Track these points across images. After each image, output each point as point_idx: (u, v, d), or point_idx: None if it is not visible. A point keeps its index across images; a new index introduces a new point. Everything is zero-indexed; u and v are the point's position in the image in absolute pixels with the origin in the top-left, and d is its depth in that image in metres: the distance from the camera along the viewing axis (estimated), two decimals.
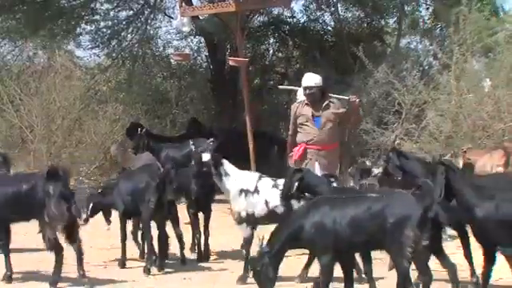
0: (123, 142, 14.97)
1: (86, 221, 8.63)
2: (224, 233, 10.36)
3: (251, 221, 7.67)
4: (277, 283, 6.60)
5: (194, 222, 9.09)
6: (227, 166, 7.89)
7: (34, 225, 9.69)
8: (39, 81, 16.37)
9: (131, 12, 16.43)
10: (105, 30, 16.01)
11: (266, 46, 18.42)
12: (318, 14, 17.56)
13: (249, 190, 7.70)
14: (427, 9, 16.71)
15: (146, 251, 8.43)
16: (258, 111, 14.97)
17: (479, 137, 11.30)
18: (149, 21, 16.63)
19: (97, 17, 16.12)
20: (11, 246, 8.94)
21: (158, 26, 17.66)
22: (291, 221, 6.11)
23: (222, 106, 16.92)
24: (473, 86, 11.94)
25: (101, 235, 9.98)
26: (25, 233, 10.14)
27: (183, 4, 12.95)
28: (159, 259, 8.26)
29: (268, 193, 7.63)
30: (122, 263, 8.51)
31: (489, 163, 9.39)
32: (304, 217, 5.95)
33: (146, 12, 16.43)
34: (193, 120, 15.23)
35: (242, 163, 10.76)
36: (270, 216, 7.60)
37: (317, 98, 8.48)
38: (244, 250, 7.69)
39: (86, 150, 15.50)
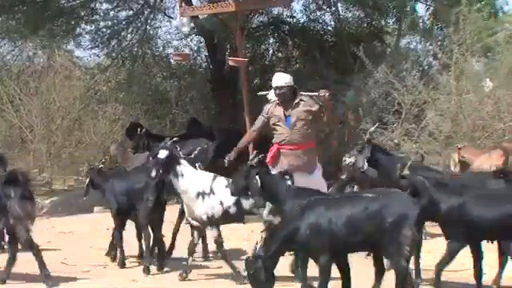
0: (123, 141, 14.98)
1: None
2: (224, 233, 10.36)
3: (213, 222, 7.79)
4: (277, 283, 6.62)
5: (178, 222, 9.05)
6: (184, 166, 7.86)
7: (34, 226, 9.72)
8: (39, 81, 16.39)
9: (131, 12, 16.43)
10: (104, 29, 16.00)
11: (265, 46, 18.41)
12: (318, 13, 17.56)
13: (205, 191, 7.77)
14: (427, 9, 16.72)
15: (144, 250, 8.42)
16: (257, 111, 14.95)
17: (479, 137, 11.31)
18: (149, 21, 16.63)
19: (96, 17, 16.11)
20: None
21: (157, 26, 17.67)
22: (286, 223, 6.06)
23: (221, 106, 16.92)
24: (473, 86, 11.94)
25: (101, 235, 10.00)
26: None
27: (183, 4, 12.96)
28: (158, 259, 8.26)
29: (222, 193, 7.72)
30: (122, 263, 8.51)
31: (487, 163, 9.39)
32: (299, 219, 5.90)
33: (146, 12, 16.42)
34: (192, 120, 15.23)
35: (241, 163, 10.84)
36: (225, 216, 7.76)
37: (287, 97, 8.20)
38: (219, 252, 7.88)
39: (85, 150, 15.53)
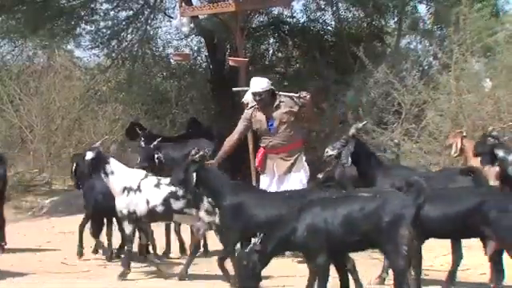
0: (123, 142, 15.00)
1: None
2: None
3: (132, 219, 7.81)
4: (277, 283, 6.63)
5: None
6: (113, 164, 7.96)
7: (34, 226, 9.73)
8: (39, 81, 16.40)
9: (131, 12, 16.43)
10: (105, 30, 16.00)
11: (265, 46, 18.42)
12: (318, 13, 17.56)
13: (132, 187, 7.80)
14: (427, 9, 16.72)
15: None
16: None
17: (479, 137, 11.29)
18: (149, 21, 16.63)
19: (96, 17, 16.11)
20: (12, 247, 8.98)
21: (157, 26, 17.67)
22: (283, 223, 6.03)
23: (221, 106, 16.91)
24: (473, 86, 11.94)
25: (101, 235, 10.00)
26: (24, 234, 10.18)
27: (183, 4, 12.96)
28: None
29: (150, 192, 7.75)
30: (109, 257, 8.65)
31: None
32: (296, 219, 5.87)
33: (146, 12, 16.42)
34: (192, 120, 15.24)
35: (240, 163, 10.90)
36: (151, 215, 7.80)
37: (267, 102, 8.25)
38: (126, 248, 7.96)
39: (85, 150, 15.50)
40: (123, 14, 16.42)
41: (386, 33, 17.49)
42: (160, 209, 7.70)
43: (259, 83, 8.32)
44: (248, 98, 8.89)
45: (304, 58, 17.36)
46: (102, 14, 16.18)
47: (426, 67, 15.36)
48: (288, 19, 17.77)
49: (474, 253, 7.96)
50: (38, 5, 14.90)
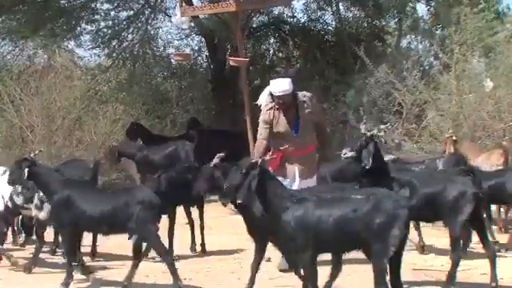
0: (124, 141, 14.99)
1: None
2: (224, 233, 10.36)
3: None
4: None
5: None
6: None
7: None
8: (39, 81, 16.36)
9: (131, 12, 16.43)
10: (105, 30, 16.01)
11: (266, 46, 18.43)
12: (319, 13, 17.58)
13: None
14: (428, 9, 16.73)
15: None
16: (258, 111, 14.95)
17: (479, 137, 11.30)
18: (149, 21, 16.63)
19: (97, 17, 16.11)
20: (12, 246, 8.96)
21: (158, 26, 17.68)
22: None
23: (222, 106, 16.93)
24: (473, 86, 11.94)
25: (101, 235, 9.99)
26: (24, 233, 10.14)
27: (184, 4, 12.96)
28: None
29: (4, 188, 7.90)
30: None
31: (487, 162, 9.37)
32: (286, 213, 5.86)
33: (147, 12, 16.42)
34: (192, 120, 15.24)
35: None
36: (7, 211, 8.00)
37: (289, 104, 7.79)
38: None
39: (86, 150, 15.50)
40: (124, 14, 16.45)
41: (386, 33, 17.50)
42: (10, 204, 7.98)
43: (281, 85, 7.83)
44: (262, 100, 8.46)
45: (305, 57, 17.38)
46: (102, 13, 16.20)
47: (427, 67, 15.37)
48: (288, 19, 17.79)
49: (475, 253, 7.97)
50: (38, 5, 14.91)
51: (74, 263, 7.30)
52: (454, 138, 9.90)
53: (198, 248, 9.20)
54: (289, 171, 7.77)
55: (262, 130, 7.89)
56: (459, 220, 6.70)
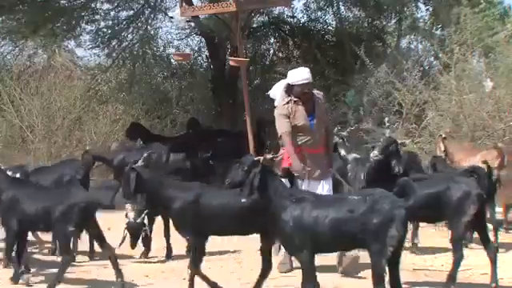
0: (124, 141, 15.01)
1: None
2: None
3: None
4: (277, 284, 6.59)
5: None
6: None
7: None
8: (39, 81, 16.39)
9: (131, 12, 16.43)
10: (105, 29, 16.02)
11: (266, 46, 18.44)
12: (319, 13, 17.58)
13: None
14: (427, 9, 16.73)
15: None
16: (258, 111, 15.00)
17: (479, 137, 11.30)
18: (149, 21, 16.64)
19: (97, 17, 16.12)
20: None
21: (158, 26, 17.69)
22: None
23: (222, 106, 16.93)
24: (473, 86, 11.94)
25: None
26: None
27: (184, 4, 12.95)
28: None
29: None
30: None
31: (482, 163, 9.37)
32: (285, 212, 5.87)
33: (147, 12, 16.43)
34: (191, 120, 15.27)
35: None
36: None
37: (310, 94, 7.54)
38: None
39: None
40: (124, 14, 16.45)
41: (386, 33, 17.50)
42: None
43: (303, 74, 7.52)
44: (275, 93, 8.11)
45: (305, 57, 17.37)
46: (102, 13, 16.20)
47: (427, 67, 15.37)
48: (289, 19, 17.79)
49: (475, 253, 7.97)
50: (38, 5, 14.91)
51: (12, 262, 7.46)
52: (443, 135, 9.90)
53: None
54: (307, 171, 7.45)
55: (284, 123, 7.49)
56: (462, 221, 6.69)
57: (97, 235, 7.35)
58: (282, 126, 7.52)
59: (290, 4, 14.47)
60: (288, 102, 7.53)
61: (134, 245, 8.40)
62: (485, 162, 9.24)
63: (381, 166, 7.29)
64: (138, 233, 8.39)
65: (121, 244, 8.00)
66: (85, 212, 7.09)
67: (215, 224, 6.82)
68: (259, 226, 6.65)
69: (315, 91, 7.74)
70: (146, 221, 8.43)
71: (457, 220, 6.71)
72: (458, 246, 6.72)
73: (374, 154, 7.24)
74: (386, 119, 9.13)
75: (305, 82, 7.47)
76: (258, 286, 6.76)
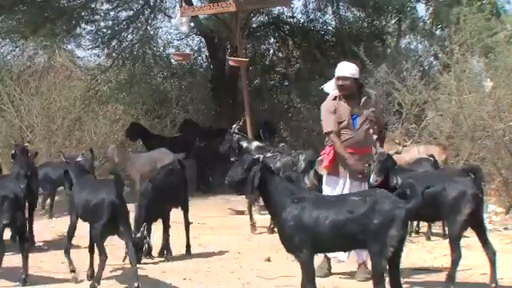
0: (123, 142, 15.02)
1: None
2: (224, 233, 10.37)
3: None
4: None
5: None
6: None
7: (34, 226, 9.72)
8: (39, 81, 16.39)
9: (131, 12, 16.43)
10: (105, 30, 16.02)
11: (266, 46, 18.44)
12: (319, 13, 17.58)
13: None
14: (427, 9, 16.73)
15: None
16: (258, 111, 15.02)
17: (479, 137, 11.30)
18: (149, 21, 16.64)
19: (97, 17, 16.12)
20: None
21: (158, 26, 17.69)
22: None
23: (222, 106, 16.93)
24: (473, 86, 11.93)
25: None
26: None
27: (183, 4, 12.95)
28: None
29: None
30: None
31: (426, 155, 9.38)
32: (285, 211, 5.87)
33: (147, 12, 16.43)
34: (185, 121, 15.32)
35: None
36: None
37: (352, 91, 7.33)
38: None
39: (86, 150, 15.49)
40: (123, 14, 16.45)
41: (386, 33, 17.50)
42: None
43: (346, 67, 7.41)
44: (328, 88, 7.76)
45: (305, 57, 17.38)
46: (102, 14, 16.20)
47: (427, 67, 15.37)
48: (288, 19, 17.79)
49: (475, 253, 7.97)
50: (38, 5, 14.91)
51: None
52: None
53: (200, 248, 9.21)
54: (342, 170, 7.37)
55: (330, 121, 7.35)
56: (458, 220, 6.70)
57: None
58: (327, 124, 7.39)
59: (289, 4, 14.47)
60: (335, 98, 7.41)
61: (139, 258, 8.32)
62: (431, 155, 9.37)
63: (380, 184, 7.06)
64: (141, 246, 8.36)
65: (124, 259, 8.00)
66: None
67: None
68: None
69: (369, 90, 7.60)
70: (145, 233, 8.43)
71: (453, 219, 6.72)
72: (455, 246, 6.72)
73: (374, 179, 6.98)
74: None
75: (343, 75, 7.33)
76: None
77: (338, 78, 7.34)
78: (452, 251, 6.71)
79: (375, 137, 7.35)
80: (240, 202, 11.54)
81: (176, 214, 9.03)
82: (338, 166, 7.37)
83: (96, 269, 7.25)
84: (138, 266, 7.39)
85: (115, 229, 7.15)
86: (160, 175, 9.12)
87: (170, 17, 17.30)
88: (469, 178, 6.85)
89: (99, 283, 7.08)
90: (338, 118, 7.32)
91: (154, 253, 8.74)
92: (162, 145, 13.33)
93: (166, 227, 8.77)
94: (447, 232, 7.07)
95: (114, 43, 16.32)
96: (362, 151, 7.29)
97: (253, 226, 10.35)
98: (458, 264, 6.71)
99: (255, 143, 10.54)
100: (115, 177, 7.27)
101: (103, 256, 7.10)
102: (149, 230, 8.58)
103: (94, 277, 7.21)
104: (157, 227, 8.74)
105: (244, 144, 10.37)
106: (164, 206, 8.77)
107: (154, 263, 8.51)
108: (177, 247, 8.89)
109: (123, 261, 7.99)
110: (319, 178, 8.18)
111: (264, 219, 10.28)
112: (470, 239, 8.82)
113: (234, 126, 10.62)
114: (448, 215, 6.78)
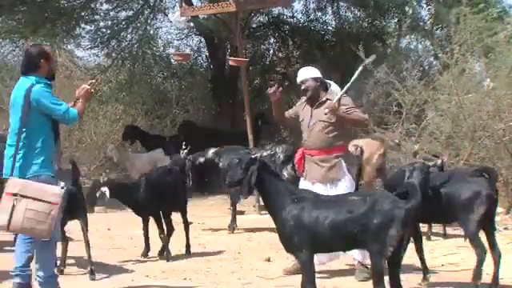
0: (124, 142, 15.02)
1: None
2: (224, 233, 10.37)
3: None
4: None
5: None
6: None
7: None
8: None
9: (131, 12, 16.44)
10: (104, 30, 16.03)
11: (266, 46, 18.45)
12: (319, 13, 17.59)
13: None
14: (427, 9, 16.73)
15: None
16: (258, 111, 15.03)
17: (479, 137, 11.30)
18: (148, 21, 16.64)
19: (97, 17, 16.12)
20: (12, 247, 8.93)
21: (158, 27, 17.70)
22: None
23: (222, 106, 16.95)
24: (473, 86, 11.93)
25: (101, 235, 10.01)
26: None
27: (183, 4, 12.96)
28: None
29: None
30: None
31: (368, 151, 9.41)
32: (284, 211, 5.86)
33: (146, 12, 16.43)
34: (184, 122, 15.33)
35: None
36: None
37: (313, 94, 7.38)
38: None
39: (85, 150, 15.52)
40: (123, 14, 16.45)
41: (386, 33, 17.50)
42: None
43: (304, 71, 7.52)
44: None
45: (305, 57, 17.37)
46: (101, 14, 16.20)
47: (427, 67, 15.37)
48: (288, 19, 17.80)
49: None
50: (38, 5, 14.92)
51: None
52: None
53: (200, 248, 9.21)
54: (306, 170, 7.40)
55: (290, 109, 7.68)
56: (473, 220, 6.66)
57: None
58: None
59: (289, 5, 14.48)
60: (302, 99, 7.56)
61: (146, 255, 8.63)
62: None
63: None
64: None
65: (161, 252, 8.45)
66: None
67: None
68: None
69: (328, 94, 7.48)
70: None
71: (467, 219, 6.67)
72: (476, 243, 6.64)
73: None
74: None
75: (299, 79, 7.50)
76: None
77: (300, 85, 7.49)
78: (475, 249, 6.63)
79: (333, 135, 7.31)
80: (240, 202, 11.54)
81: (175, 214, 9.02)
82: (305, 168, 7.42)
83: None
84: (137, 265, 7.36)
85: (72, 215, 7.47)
86: (156, 173, 9.10)
87: (167, 15, 17.32)
88: (483, 178, 6.83)
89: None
90: (300, 116, 7.47)
91: (153, 253, 8.74)
92: (161, 145, 13.36)
93: (170, 230, 8.76)
94: (463, 233, 7.00)
95: (113, 43, 16.33)
96: (317, 153, 7.32)
97: (231, 227, 10.36)
98: (484, 260, 6.63)
99: (211, 150, 10.40)
100: (72, 166, 7.67)
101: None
102: (146, 229, 8.64)
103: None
104: (155, 227, 8.73)
105: (201, 159, 10.17)
106: (159, 206, 8.72)
107: (154, 263, 8.51)
108: (177, 247, 8.89)
109: None
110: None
111: (264, 219, 10.28)
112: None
113: (183, 152, 10.35)
114: (462, 215, 6.74)
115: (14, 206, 5.87)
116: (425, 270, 7.06)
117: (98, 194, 8.27)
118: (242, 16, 13.37)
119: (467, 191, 6.71)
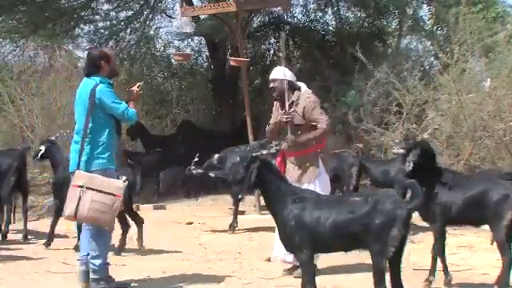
0: (125, 140, 15.01)
1: None
2: (224, 233, 10.37)
3: None
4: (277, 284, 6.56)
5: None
6: None
7: (35, 226, 9.73)
8: (40, 81, 16.40)
9: (130, 12, 16.43)
10: (103, 30, 16.01)
11: (266, 46, 18.44)
12: (319, 14, 17.59)
13: None
14: (428, 9, 16.73)
15: None
16: (258, 111, 15.04)
17: (480, 137, 11.30)
18: (147, 21, 16.64)
19: (97, 17, 16.12)
20: (12, 247, 8.96)
21: (158, 27, 17.69)
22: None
23: (222, 106, 16.94)
24: (473, 86, 11.94)
25: None
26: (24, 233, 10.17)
27: (184, 4, 12.96)
28: None
29: None
30: None
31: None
32: (285, 210, 5.86)
33: (145, 12, 16.43)
34: (183, 122, 15.34)
35: None
36: None
37: (280, 94, 7.47)
38: None
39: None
40: (122, 15, 16.44)
41: (386, 33, 17.49)
42: None
43: (275, 71, 7.67)
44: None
45: (305, 58, 17.37)
46: (102, 14, 16.20)
47: (427, 67, 15.37)
48: (289, 19, 17.79)
49: (476, 253, 7.97)
50: (38, 5, 14.92)
51: None
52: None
53: (199, 248, 9.22)
54: (286, 171, 7.42)
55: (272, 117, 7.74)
56: (502, 225, 6.60)
57: None
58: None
59: (288, 8, 14.49)
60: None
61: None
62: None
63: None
64: None
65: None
66: None
67: None
68: None
69: (300, 91, 7.54)
70: None
71: (496, 223, 6.63)
72: (504, 249, 6.60)
73: (395, 148, 7.18)
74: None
75: (269, 78, 7.75)
76: None
77: (269, 83, 7.71)
78: (501, 255, 6.60)
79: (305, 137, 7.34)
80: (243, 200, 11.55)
81: (172, 214, 9.02)
82: (284, 167, 7.47)
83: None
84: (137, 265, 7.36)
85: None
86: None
87: (170, 17, 17.32)
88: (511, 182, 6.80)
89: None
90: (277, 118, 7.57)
91: (153, 252, 8.74)
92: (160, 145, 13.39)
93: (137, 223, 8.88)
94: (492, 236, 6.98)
95: (111, 43, 16.31)
96: (294, 154, 7.40)
97: (232, 226, 10.35)
98: (511, 267, 6.59)
99: (215, 157, 10.00)
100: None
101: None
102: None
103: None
104: (157, 226, 8.74)
105: (212, 174, 9.70)
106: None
107: (154, 263, 8.51)
108: (177, 247, 8.90)
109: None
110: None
111: (265, 219, 10.28)
112: (471, 239, 8.85)
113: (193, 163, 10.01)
114: (491, 219, 6.67)
115: (80, 197, 6.35)
116: (445, 271, 7.04)
117: None
118: (243, 16, 13.35)
119: (496, 194, 6.64)
